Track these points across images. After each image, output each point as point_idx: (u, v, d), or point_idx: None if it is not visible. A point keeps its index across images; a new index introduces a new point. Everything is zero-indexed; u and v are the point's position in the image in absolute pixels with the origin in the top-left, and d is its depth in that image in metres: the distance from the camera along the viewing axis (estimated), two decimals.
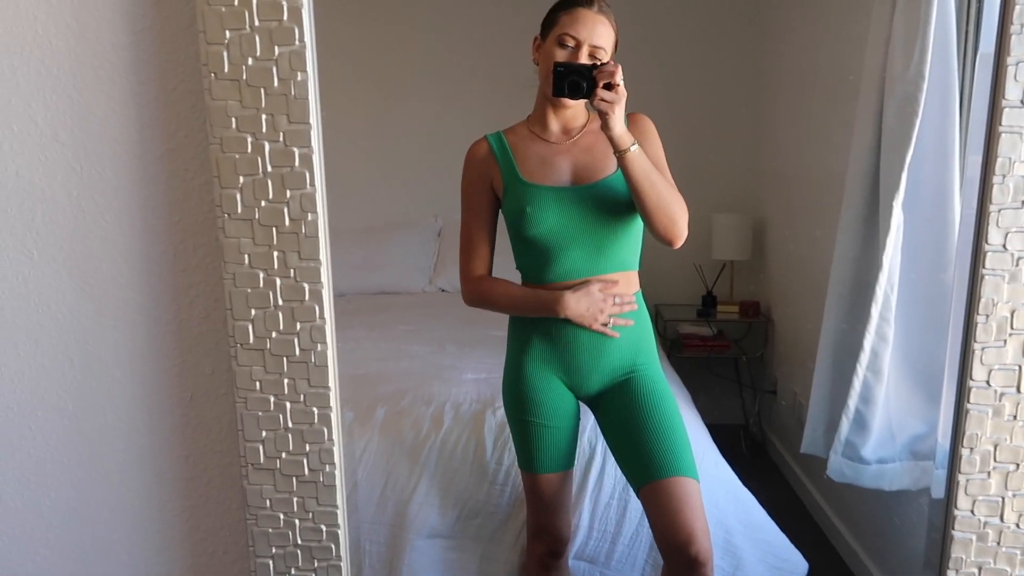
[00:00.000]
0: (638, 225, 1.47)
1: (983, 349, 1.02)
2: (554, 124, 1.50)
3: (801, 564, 1.89)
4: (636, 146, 1.35)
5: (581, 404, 1.62)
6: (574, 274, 1.48)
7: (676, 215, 1.40)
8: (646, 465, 1.49)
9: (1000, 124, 0.98)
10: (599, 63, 1.35)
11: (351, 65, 3.06)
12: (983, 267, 1.01)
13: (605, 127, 1.32)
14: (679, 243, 1.43)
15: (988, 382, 1.02)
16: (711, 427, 2.02)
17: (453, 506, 1.89)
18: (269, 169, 1.01)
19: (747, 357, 2.95)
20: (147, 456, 1.21)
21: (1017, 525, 1.04)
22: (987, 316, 1.01)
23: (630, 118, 1.46)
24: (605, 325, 1.49)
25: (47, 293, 1.15)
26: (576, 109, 1.49)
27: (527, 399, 1.57)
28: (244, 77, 0.98)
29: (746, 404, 2.98)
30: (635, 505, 1.80)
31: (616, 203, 1.45)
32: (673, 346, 2.86)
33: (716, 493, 1.83)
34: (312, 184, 1.01)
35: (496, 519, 1.88)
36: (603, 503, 1.82)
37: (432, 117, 3.15)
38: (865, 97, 1.91)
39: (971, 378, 1.02)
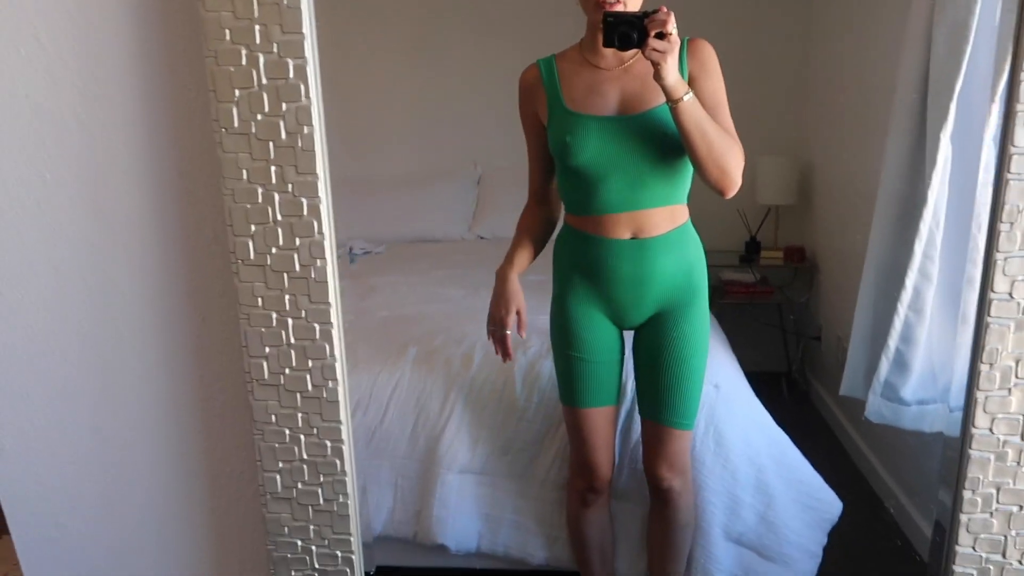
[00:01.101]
0: (686, 160, 1.42)
1: (1006, 259, 0.96)
2: (607, 49, 1.46)
3: (836, 504, 1.85)
4: (690, 95, 1.30)
5: (627, 337, 1.62)
6: (615, 207, 1.45)
7: (729, 165, 1.36)
8: (655, 404, 1.59)
9: None
10: (649, 12, 1.30)
11: (383, 17, 3.04)
12: (1008, 171, 0.95)
13: (657, 76, 1.28)
14: (731, 193, 1.39)
15: (1011, 294, 0.97)
16: (752, 375, 1.98)
17: (484, 442, 1.90)
18: (264, 81, 1.00)
19: (791, 303, 2.88)
20: (163, 377, 1.24)
21: None
22: (1011, 224, 0.95)
23: (689, 45, 1.40)
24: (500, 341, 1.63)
25: (60, 216, 1.18)
26: None
27: (570, 334, 1.57)
28: None
29: (789, 351, 2.91)
30: None
31: (662, 135, 1.40)
32: (715, 293, 2.80)
33: (748, 432, 1.80)
34: (307, 96, 1.01)
35: (526, 455, 1.89)
36: (634, 440, 1.81)
37: (468, 64, 3.12)
38: (914, 25, 1.81)
39: (993, 290, 0.97)
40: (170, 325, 1.21)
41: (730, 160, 1.36)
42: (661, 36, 1.26)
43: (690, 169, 1.45)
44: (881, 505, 2.16)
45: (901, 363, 1.91)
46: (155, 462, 1.28)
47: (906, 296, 1.87)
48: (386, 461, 1.91)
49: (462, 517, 1.90)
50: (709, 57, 1.43)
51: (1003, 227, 0.96)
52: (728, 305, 2.80)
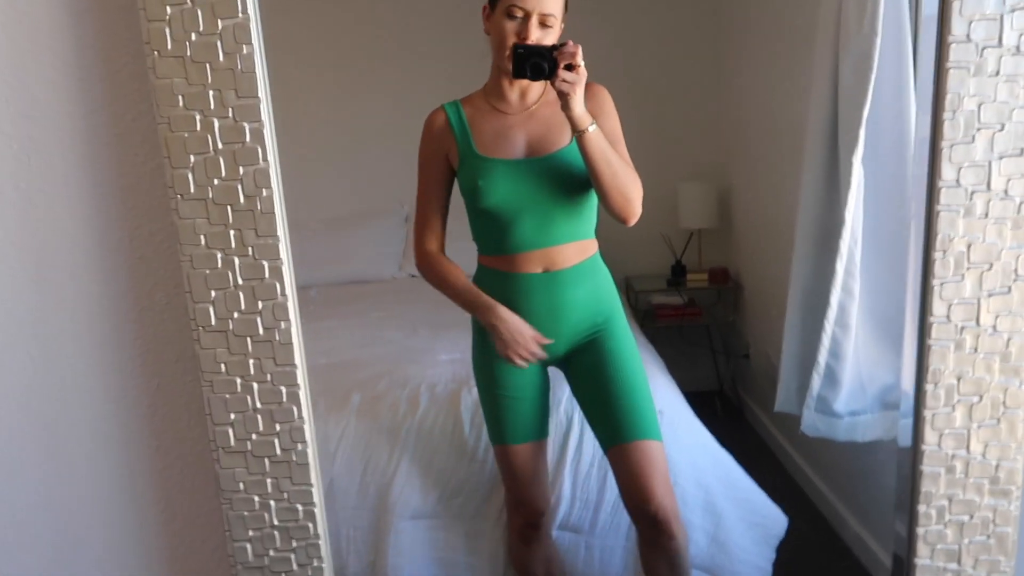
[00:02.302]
0: (592, 196, 1.48)
1: (942, 285, 1.03)
2: (511, 94, 1.50)
3: (781, 519, 1.92)
4: (595, 126, 1.36)
5: (552, 372, 1.63)
6: (526, 245, 1.49)
7: (631, 194, 1.42)
8: (611, 428, 1.56)
9: (948, 60, 0.99)
10: (558, 45, 1.35)
11: (303, 57, 3.02)
12: (938, 203, 1.02)
13: (565, 107, 1.32)
14: (633, 221, 1.45)
15: (948, 317, 1.04)
16: (687, 394, 2.03)
17: (434, 486, 1.89)
18: (220, 146, 0.99)
19: (719, 323, 2.97)
20: (116, 448, 1.19)
21: (983, 455, 1.06)
22: (944, 252, 1.03)
23: (587, 89, 1.46)
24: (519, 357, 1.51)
25: (1, 287, 1.12)
26: None
27: (491, 372, 1.59)
28: (188, 53, 0.96)
29: (720, 369, 3.00)
30: None
31: (569, 175, 1.46)
32: (646, 317, 2.87)
33: (694, 454, 1.85)
34: (265, 159, 1.00)
35: (479, 495, 1.89)
36: (583, 472, 1.83)
37: (389, 103, 3.11)
38: (820, 57, 1.92)
39: (931, 314, 1.04)
40: (122, 393, 1.17)
41: (632, 189, 1.42)
42: (570, 68, 1.31)
43: (595, 205, 1.51)
44: (822, 516, 2.24)
45: (831, 377, 2.00)
46: (110, 538, 1.23)
47: (831, 313, 1.96)
48: (336, 513, 1.88)
49: (417, 564, 1.88)
50: (605, 99, 1.49)
51: (937, 255, 1.03)
52: (659, 328, 2.87)
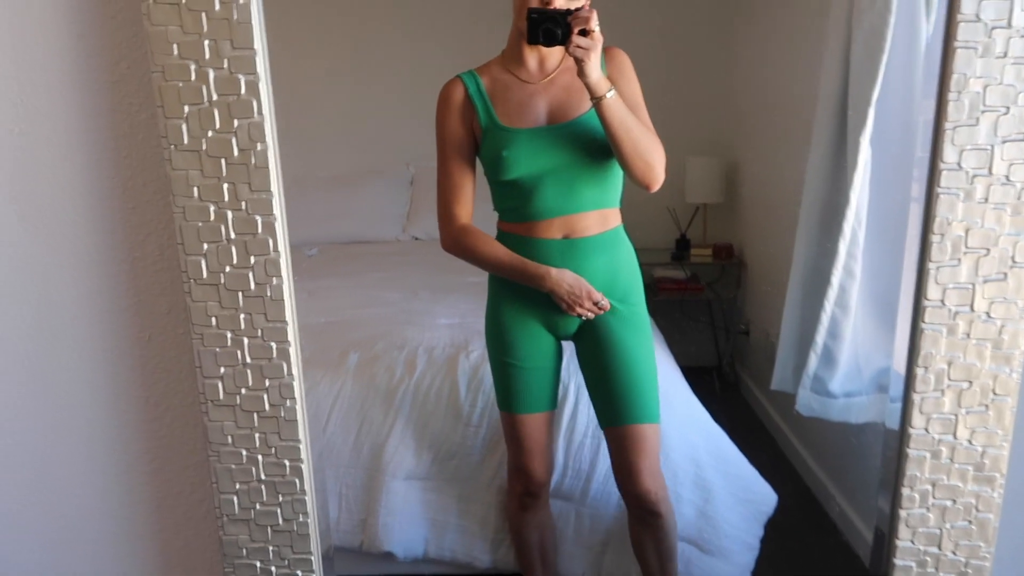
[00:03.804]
0: (614, 163, 1.46)
1: (938, 268, 1.02)
2: (531, 61, 1.48)
3: (771, 496, 1.93)
4: (612, 92, 1.34)
5: (565, 344, 1.63)
6: (548, 212, 1.48)
7: (653, 159, 1.40)
8: (611, 408, 1.57)
9: (955, 39, 0.97)
10: (573, 9, 1.33)
11: (315, 14, 2.99)
12: (938, 186, 1.01)
13: (581, 74, 1.31)
14: (656, 187, 1.44)
15: (943, 301, 1.03)
16: (685, 369, 2.03)
17: (428, 448, 1.90)
18: (215, 97, 0.98)
19: (720, 299, 2.97)
20: (108, 398, 1.20)
21: (969, 441, 1.06)
22: (942, 235, 1.01)
23: (606, 53, 1.44)
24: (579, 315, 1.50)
25: None
26: None
27: (505, 341, 1.58)
28: (184, 0, 0.95)
29: (719, 345, 3.00)
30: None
31: (591, 141, 1.44)
32: (648, 290, 2.86)
33: (687, 430, 1.86)
34: (260, 113, 0.99)
35: (472, 460, 1.90)
36: (576, 442, 1.84)
37: (401, 60, 3.08)
38: (833, 34, 1.90)
39: (926, 297, 1.03)
40: (114, 344, 1.17)
41: (654, 154, 1.40)
42: (584, 33, 1.29)
43: (619, 173, 1.49)
44: (812, 495, 2.25)
45: (828, 358, 2.00)
46: (100, 485, 1.24)
47: (832, 293, 1.96)
48: (329, 471, 1.90)
49: (408, 524, 1.90)
50: (625, 62, 1.48)
51: (935, 238, 1.02)
52: (661, 302, 2.86)
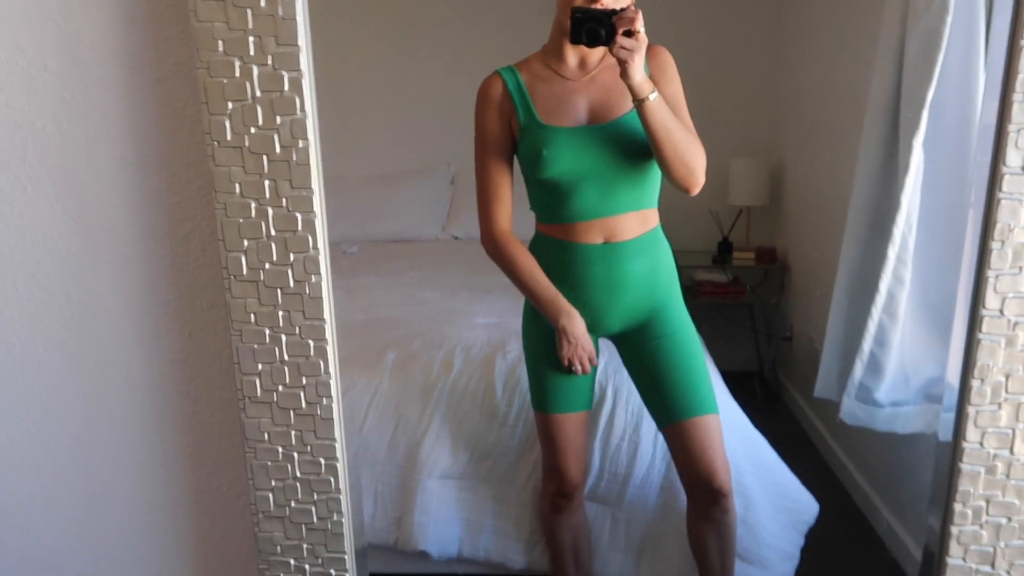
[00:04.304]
0: (654, 164, 1.44)
1: (997, 277, 0.98)
2: (571, 58, 1.46)
3: (812, 505, 1.89)
4: (655, 94, 1.32)
5: (602, 343, 1.61)
6: (587, 214, 1.46)
7: (693, 163, 1.38)
8: (668, 406, 1.54)
9: (1023, 38, 0.93)
10: (619, 9, 1.30)
11: (359, 12, 3.01)
12: (1000, 191, 0.96)
13: (624, 75, 1.29)
14: (696, 191, 1.42)
15: (1001, 311, 0.99)
16: (725, 374, 2.00)
17: (464, 448, 1.90)
18: (258, 94, 0.98)
19: (763, 303, 2.92)
20: (148, 392, 1.21)
21: None
22: (1002, 242, 0.97)
23: (649, 51, 1.42)
24: (570, 365, 1.51)
25: (42, 227, 1.14)
26: None
27: (543, 343, 1.57)
28: None
29: (761, 351, 2.95)
30: (646, 448, 1.80)
31: (631, 142, 1.42)
32: (688, 293, 2.82)
33: (727, 435, 1.82)
34: (303, 110, 0.98)
35: (507, 460, 1.89)
36: (613, 445, 1.82)
37: (443, 61, 3.09)
38: (887, 32, 1.85)
39: (984, 307, 0.99)
40: (155, 339, 1.18)
41: (695, 157, 1.38)
42: (629, 34, 1.27)
43: (659, 174, 1.47)
44: (854, 506, 2.21)
45: (875, 366, 1.95)
46: (138, 478, 1.25)
47: (880, 300, 1.91)
48: (365, 469, 1.90)
49: (443, 523, 1.90)
50: (668, 62, 1.46)
51: (994, 245, 0.98)
52: (701, 305, 2.83)
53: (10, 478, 1.25)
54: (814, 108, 2.70)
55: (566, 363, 1.49)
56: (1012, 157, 0.95)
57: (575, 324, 1.48)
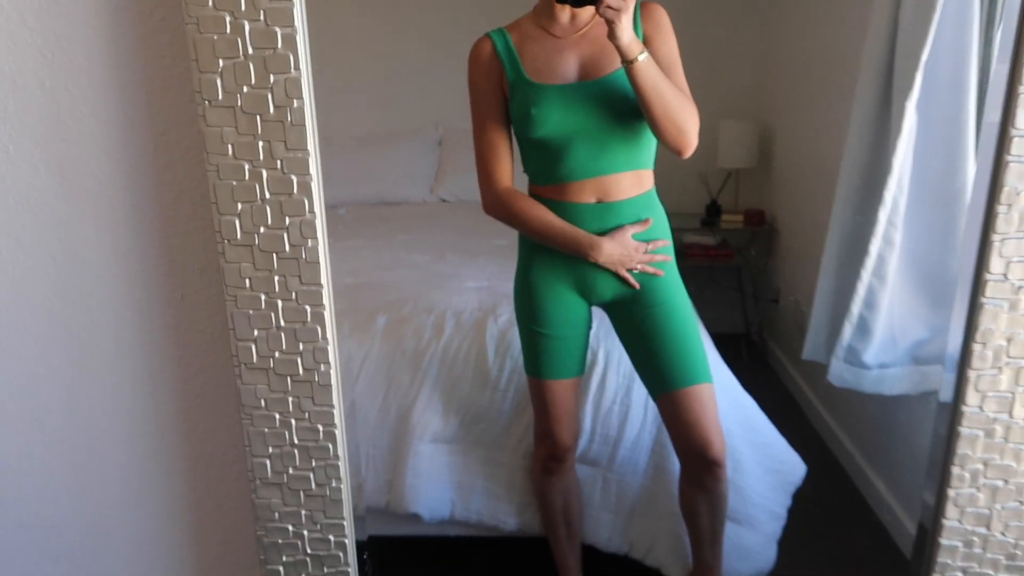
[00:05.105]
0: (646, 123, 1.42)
1: (1003, 240, 0.98)
2: (562, 16, 1.43)
3: (799, 466, 1.91)
4: (645, 55, 1.29)
5: (594, 309, 1.60)
6: (579, 173, 1.44)
7: (685, 125, 1.35)
8: (662, 375, 1.54)
9: None
10: None
11: None
12: (1008, 153, 0.95)
13: (612, 35, 1.26)
14: (688, 152, 1.40)
15: (1006, 275, 0.99)
16: (713, 335, 2.00)
17: (456, 412, 1.89)
18: (251, 51, 0.95)
19: (751, 266, 2.92)
20: (139, 357, 1.19)
21: None
22: (1009, 206, 0.97)
23: (643, 8, 1.40)
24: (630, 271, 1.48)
25: (25, 189, 1.10)
26: None
27: (535, 309, 1.55)
28: None
29: (748, 313, 2.96)
30: (636, 411, 1.81)
31: (625, 99, 1.39)
32: (677, 255, 2.82)
33: (717, 397, 1.83)
34: (297, 68, 0.95)
35: (499, 424, 1.89)
36: (605, 408, 1.82)
37: (431, 18, 3.03)
38: None
39: (988, 271, 0.98)
40: (146, 303, 1.16)
41: (687, 119, 1.36)
42: None
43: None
44: (840, 467, 2.23)
45: (863, 328, 1.96)
46: (131, 444, 1.23)
47: (870, 262, 1.91)
48: (356, 432, 1.89)
49: (434, 486, 1.90)
50: (663, 19, 1.42)
51: (1001, 209, 0.97)
52: (690, 267, 2.81)
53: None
54: (805, 70, 2.67)
55: (626, 272, 1.48)
56: (1021, 119, 0.94)
57: (610, 253, 1.46)
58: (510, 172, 1.50)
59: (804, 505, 1.90)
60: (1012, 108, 0.93)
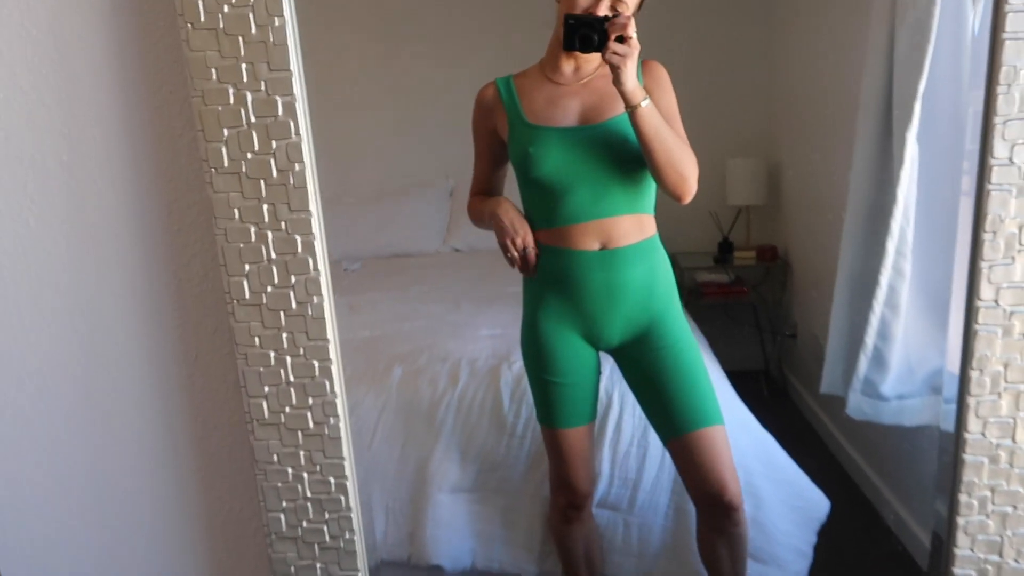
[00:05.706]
0: (647, 168, 1.45)
1: (991, 267, 0.99)
2: (566, 66, 1.48)
3: (823, 503, 1.88)
4: (648, 101, 1.33)
5: (602, 355, 1.62)
6: (580, 216, 1.47)
7: (686, 171, 1.39)
8: (672, 420, 1.53)
9: (1003, 31, 0.94)
10: (612, 15, 1.32)
11: (352, 26, 3.03)
12: (989, 182, 0.97)
13: (616, 82, 1.30)
14: (688, 198, 1.42)
15: (996, 301, 1.00)
16: (731, 373, 2.00)
17: (473, 460, 1.90)
18: (253, 120, 1.00)
19: (765, 302, 2.92)
20: (158, 417, 1.22)
21: None
22: (994, 233, 0.98)
23: (644, 66, 1.44)
24: (507, 254, 1.50)
25: (47, 260, 1.15)
26: None
27: (543, 357, 1.57)
28: (221, 25, 0.96)
29: (766, 349, 2.95)
30: (654, 452, 1.80)
31: (624, 144, 1.42)
32: (691, 294, 2.83)
33: (735, 435, 1.81)
34: (297, 133, 1.00)
35: (517, 471, 1.89)
36: (622, 451, 1.82)
37: (440, 75, 3.10)
38: (876, 26, 1.86)
39: (979, 298, 1.00)
40: (163, 365, 1.19)
41: (688, 165, 1.39)
42: (621, 40, 1.28)
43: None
44: (866, 501, 2.20)
45: (879, 360, 1.95)
46: (154, 506, 1.26)
47: (881, 294, 1.91)
48: (376, 485, 1.91)
49: (455, 536, 1.90)
50: (662, 75, 1.47)
51: (986, 236, 0.99)
52: (705, 306, 2.83)
53: (24, 512, 1.26)
54: (808, 107, 2.71)
55: (504, 247, 1.50)
56: (999, 148, 0.96)
57: (506, 208, 1.49)
58: (485, 182, 1.59)
59: (831, 541, 1.87)
60: (989, 138, 0.95)
